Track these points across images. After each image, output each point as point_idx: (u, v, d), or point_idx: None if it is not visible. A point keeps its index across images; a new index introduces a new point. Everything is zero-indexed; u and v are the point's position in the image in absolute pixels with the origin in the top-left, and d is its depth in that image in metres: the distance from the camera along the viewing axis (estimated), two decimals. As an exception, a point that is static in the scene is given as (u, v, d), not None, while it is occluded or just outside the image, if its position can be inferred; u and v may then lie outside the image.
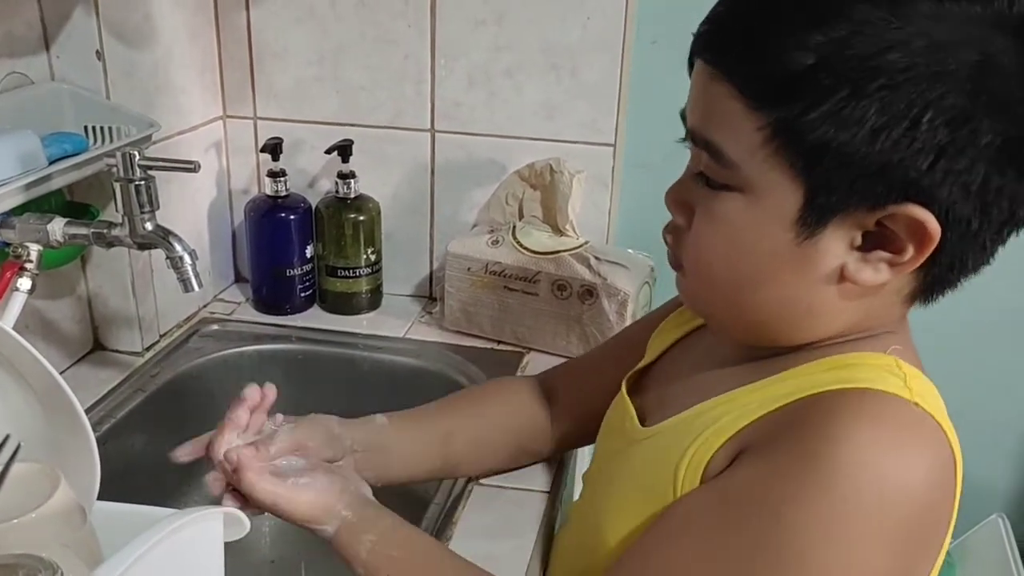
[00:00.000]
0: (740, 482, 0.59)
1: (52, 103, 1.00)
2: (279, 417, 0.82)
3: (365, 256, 1.26)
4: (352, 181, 1.23)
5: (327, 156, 1.24)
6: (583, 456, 1.16)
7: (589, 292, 1.14)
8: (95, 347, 1.16)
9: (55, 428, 0.60)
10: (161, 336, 1.20)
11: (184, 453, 0.76)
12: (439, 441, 0.88)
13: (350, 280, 1.27)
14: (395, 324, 1.27)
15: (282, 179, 1.23)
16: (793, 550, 0.55)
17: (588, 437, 0.87)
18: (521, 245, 1.18)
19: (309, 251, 1.27)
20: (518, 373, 1.16)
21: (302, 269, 1.27)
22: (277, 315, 1.28)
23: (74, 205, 1.03)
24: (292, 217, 1.24)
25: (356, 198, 1.24)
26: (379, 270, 1.30)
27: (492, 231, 1.22)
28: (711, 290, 0.65)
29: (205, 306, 1.30)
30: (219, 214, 1.33)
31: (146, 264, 1.14)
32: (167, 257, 0.93)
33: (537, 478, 0.95)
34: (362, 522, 0.72)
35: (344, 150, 1.23)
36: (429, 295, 1.35)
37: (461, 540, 0.85)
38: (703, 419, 0.64)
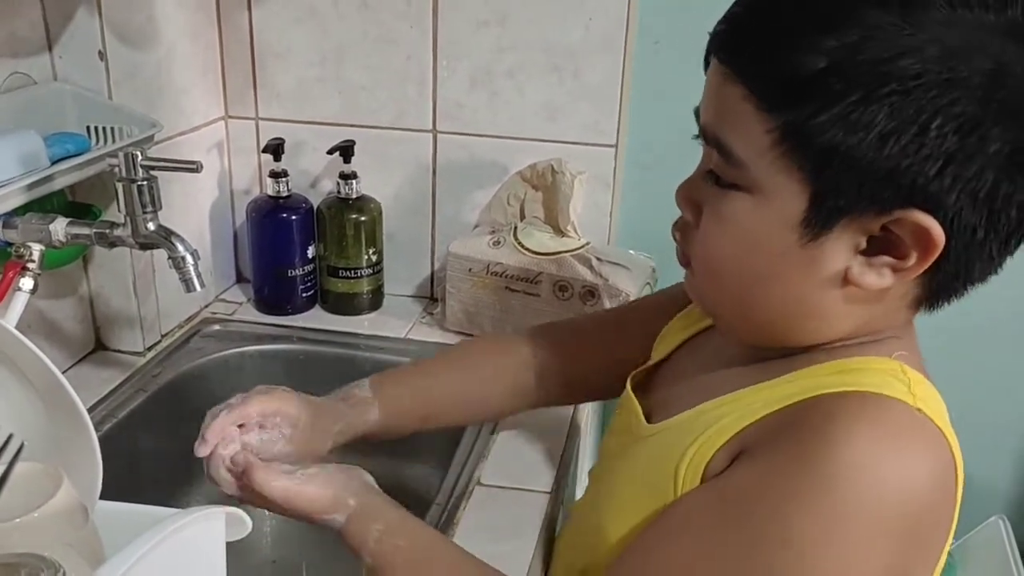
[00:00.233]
0: (740, 481, 0.59)
1: (54, 103, 1.00)
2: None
3: (366, 257, 1.26)
4: (354, 182, 1.23)
5: (329, 156, 1.24)
6: (585, 455, 1.16)
7: (591, 293, 1.14)
8: (97, 347, 1.16)
9: (57, 427, 0.60)
10: (163, 336, 1.20)
11: (204, 449, 0.76)
12: (421, 406, 0.90)
13: (351, 280, 1.27)
14: (396, 325, 1.27)
15: (284, 179, 1.23)
16: (791, 550, 0.55)
17: (571, 398, 0.93)
18: (523, 246, 1.18)
19: (311, 251, 1.27)
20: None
21: (303, 269, 1.27)
22: (278, 315, 1.28)
23: (76, 205, 1.03)
24: (294, 217, 1.24)
25: (358, 198, 1.24)
26: (380, 271, 1.30)
27: (494, 232, 1.22)
28: (718, 288, 0.66)
29: (207, 306, 1.30)
30: (221, 214, 1.33)
31: (148, 264, 1.14)
32: (169, 257, 0.93)
33: (539, 478, 0.95)
34: (370, 511, 0.73)
35: (346, 151, 1.23)
36: (430, 296, 1.36)
37: (463, 540, 0.85)
38: (706, 418, 0.64)
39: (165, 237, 0.93)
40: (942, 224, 0.54)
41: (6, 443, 0.54)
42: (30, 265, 0.91)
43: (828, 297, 0.60)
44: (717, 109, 0.60)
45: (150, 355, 1.16)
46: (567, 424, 1.05)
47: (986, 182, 0.53)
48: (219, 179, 1.31)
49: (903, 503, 0.55)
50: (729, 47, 0.59)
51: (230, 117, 1.31)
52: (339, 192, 1.24)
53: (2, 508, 0.50)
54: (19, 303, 0.91)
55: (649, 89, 1.21)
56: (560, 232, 1.20)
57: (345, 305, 1.29)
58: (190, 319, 1.26)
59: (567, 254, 1.16)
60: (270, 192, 1.24)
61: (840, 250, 0.58)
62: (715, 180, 0.61)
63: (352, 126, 1.27)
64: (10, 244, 0.92)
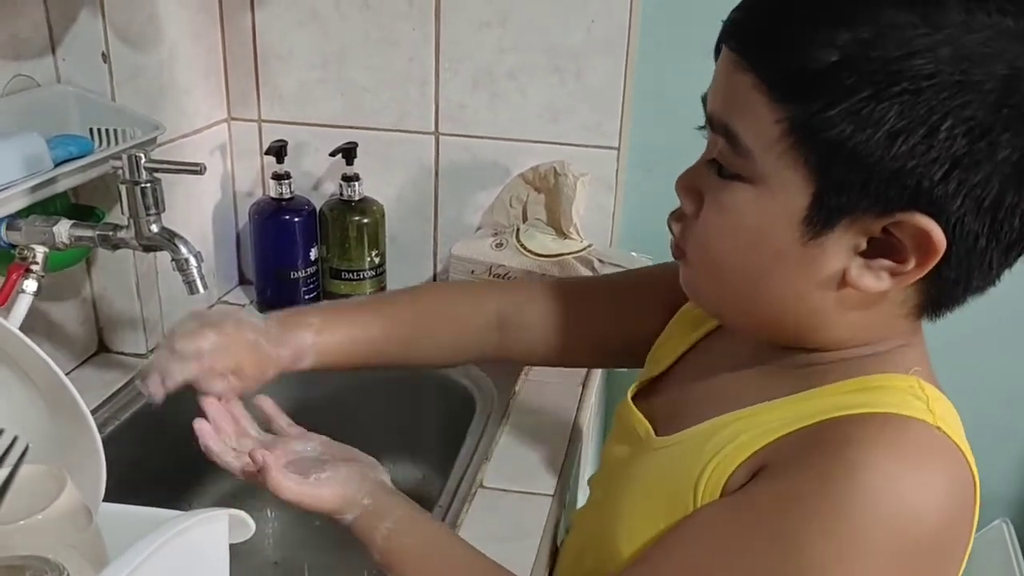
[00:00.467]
0: (760, 499, 0.59)
1: (58, 105, 1.00)
2: (264, 402, 0.83)
3: (369, 258, 1.26)
4: (356, 183, 1.23)
5: (331, 158, 1.24)
6: (587, 460, 1.16)
7: (593, 295, 1.14)
8: (100, 349, 1.16)
9: (61, 429, 0.60)
10: (165, 338, 1.20)
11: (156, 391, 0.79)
12: (368, 348, 0.87)
13: (354, 282, 1.27)
14: (399, 326, 1.27)
15: (286, 181, 1.23)
16: (808, 570, 0.55)
17: (542, 359, 0.91)
18: (525, 248, 1.18)
19: (313, 253, 1.27)
20: (522, 376, 1.16)
21: (306, 271, 1.27)
22: (281, 317, 1.28)
23: (79, 207, 1.03)
24: (296, 219, 1.24)
25: (360, 200, 1.24)
26: (383, 272, 1.30)
27: (496, 234, 1.22)
28: (713, 280, 0.65)
29: (210, 308, 1.30)
30: (224, 216, 1.33)
31: (151, 266, 1.14)
32: (172, 259, 0.93)
33: (542, 481, 0.95)
34: (380, 509, 0.73)
35: (348, 152, 1.23)
36: (433, 297, 1.35)
37: (465, 542, 0.85)
38: (723, 434, 0.63)
39: (168, 239, 0.94)
40: (944, 229, 0.54)
41: (11, 445, 0.54)
42: (33, 267, 0.91)
43: (826, 299, 0.60)
44: (726, 97, 0.59)
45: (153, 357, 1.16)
46: (569, 428, 1.05)
47: (992, 189, 0.53)
48: (222, 181, 1.31)
49: (922, 527, 0.55)
50: (742, 35, 0.58)
51: (233, 119, 1.31)
52: (341, 194, 1.24)
53: (6, 510, 0.50)
54: (22, 305, 0.91)
55: (651, 91, 1.21)
56: (562, 234, 1.20)
57: (347, 307, 1.29)
58: (193, 321, 1.26)
59: (569, 256, 1.16)
60: (273, 194, 1.24)
61: (840, 250, 0.57)
62: (718, 170, 0.60)
63: (354, 128, 1.27)
64: (13, 246, 0.92)
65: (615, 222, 1.26)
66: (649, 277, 0.89)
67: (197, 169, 0.92)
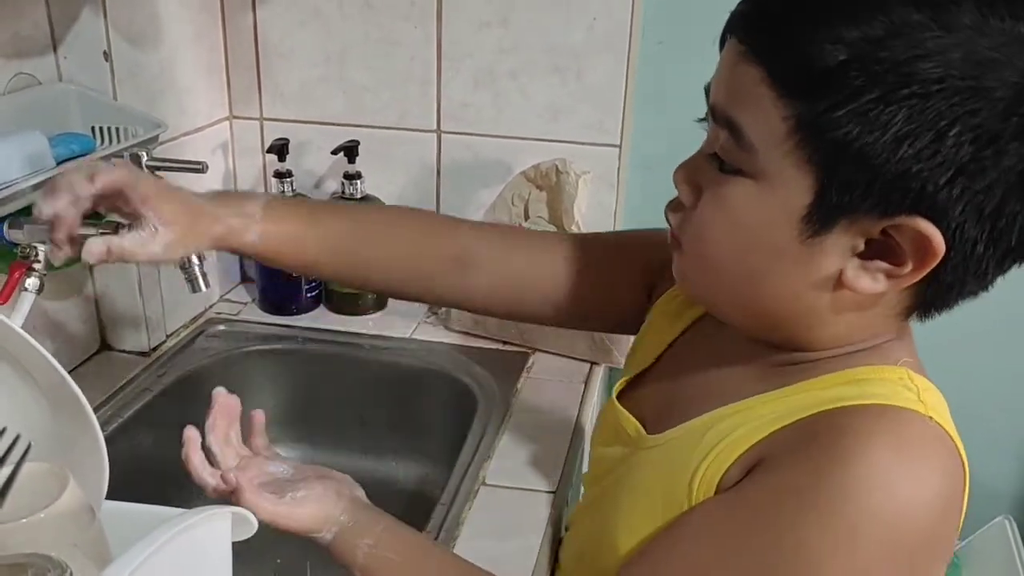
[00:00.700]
0: (756, 493, 0.59)
1: (59, 104, 1.00)
2: (256, 416, 0.82)
3: (371, 257, 1.26)
4: (358, 182, 1.23)
5: (333, 157, 1.24)
6: (587, 456, 1.16)
7: (595, 293, 1.14)
8: (102, 347, 1.17)
9: (63, 427, 0.61)
10: (168, 336, 1.20)
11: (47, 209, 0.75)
12: (318, 244, 0.81)
13: (356, 281, 1.27)
14: (401, 325, 1.27)
15: (288, 180, 1.23)
16: (804, 562, 0.56)
17: (502, 308, 0.86)
18: (527, 246, 1.18)
19: (315, 252, 1.27)
20: (524, 374, 1.16)
21: (308, 269, 1.27)
22: (283, 315, 1.28)
23: (81, 206, 1.03)
24: (298, 218, 1.24)
25: (362, 199, 1.24)
26: (385, 271, 1.30)
27: (498, 232, 1.22)
28: (708, 273, 0.64)
29: (211, 306, 1.30)
30: (225, 215, 1.33)
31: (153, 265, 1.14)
32: (174, 257, 0.93)
33: (544, 478, 0.95)
34: (358, 526, 0.73)
35: (350, 151, 1.23)
36: (435, 296, 1.35)
37: (468, 540, 0.86)
38: (717, 430, 0.63)
39: (170, 237, 0.93)
40: (944, 234, 0.54)
41: (13, 443, 0.54)
42: (36, 266, 0.91)
43: (820, 298, 0.59)
44: (731, 89, 0.58)
45: (155, 355, 1.16)
46: (571, 425, 1.05)
47: (995, 197, 0.53)
48: (224, 179, 1.31)
49: (917, 518, 0.55)
50: (751, 27, 0.57)
51: (235, 117, 1.31)
52: (343, 192, 1.24)
53: (9, 509, 0.50)
54: (25, 303, 0.91)
55: (653, 89, 1.21)
56: (564, 232, 1.20)
57: (349, 305, 1.29)
58: (195, 319, 1.26)
59: (571, 254, 1.16)
60: (275, 192, 1.24)
61: (838, 251, 0.57)
62: (719, 164, 0.60)
63: (356, 126, 1.27)
64: (16, 244, 0.92)
65: (616, 220, 1.26)
66: (631, 241, 0.87)
67: (199, 167, 0.92)
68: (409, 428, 1.21)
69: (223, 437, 0.78)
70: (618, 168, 1.23)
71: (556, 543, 0.90)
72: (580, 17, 1.17)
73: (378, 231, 0.85)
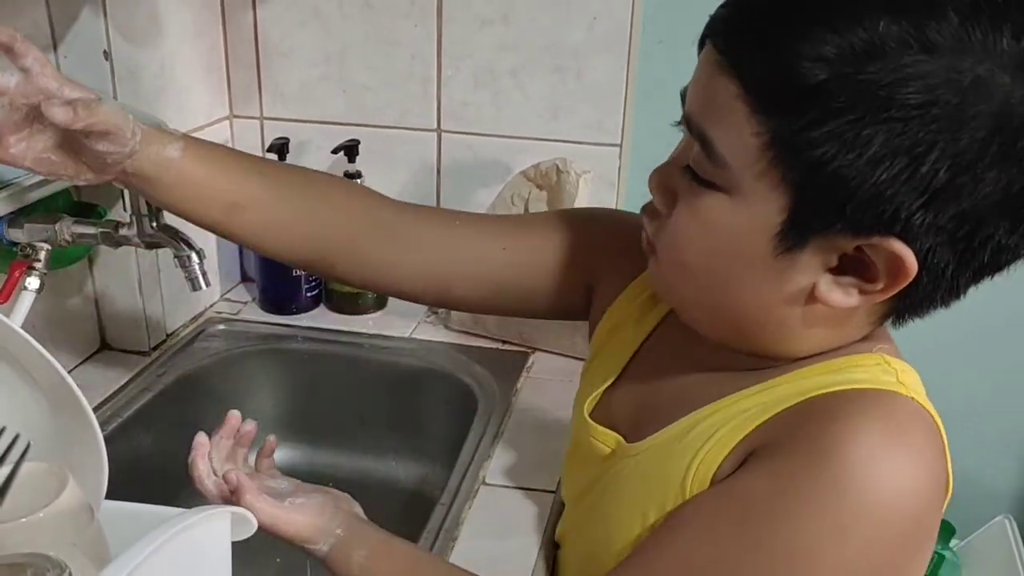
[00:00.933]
0: (751, 484, 0.59)
1: (60, 103, 1.00)
2: (271, 440, 0.82)
3: (371, 256, 1.26)
4: (358, 181, 1.23)
5: (333, 156, 1.24)
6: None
7: (595, 292, 1.14)
8: (102, 346, 1.17)
9: (63, 427, 0.60)
10: (168, 335, 1.20)
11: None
12: (223, 208, 0.74)
13: (356, 280, 1.27)
14: (401, 324, 1.27)
15: (288, 179, 1.23)
16: (804, 552, 0.56)
17: (432, 292, 0.80)
18: (527, 245, 1.18)
19: (315, 251, 1.27)
20: (524, 373, 1.16)
21: (308, 269, 1.27)
22: (283, 315, 1.28)
23: (82, 205, 1.03)
24: (298, 217, 1.24)
25: (362, 198, 1.24)
26: (385, 270, 1.30)
27: (498, 231, 1.22)
28: (681, 280, 0.64)
29: (211, 306, 1.30)
30: (225, 214, 1.33)
31: (153, 263, 1.14)
32: (175, 256, 0.94)
33: (544, 477, 0.95)
34: (353, 539, 0.73)
35: (350, 150, 1.23)
36: (435, 295, 1.35)
37: (468, 540, 0.85)
38: (701, 428, 0.63)
39: (170, 236, 0.94)
40: (916, 255, 0.53)
41: (12, 443, 0.54)
42: (36, 264, 0.92)
43: (792, 312, 0.59)
44: (705, 101, 0.57)
45: (155, 354, 1.16)
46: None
47: (969, 222, 0.52)
48: (224, 179, 1.31)
49: (910, 498, 0.55)
50: (730, 34, 0.56)
51: (235, 116, 1.31)
52: (343, 191, 1.24)
53: (8, 508, 0.50)
54: (25, 302, 0.91)
55: (653, 88, 1.21)
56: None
57: (349, 304, 1.29)
58: (195, 318, 1.26)
59: (571, 253, 1.16)
60: (275, 191, 1.24)
61: (810, 266, 0.57)
62: (692, 175, 0.59)
63: (356, 125, 1.27)
64: (16, 244, 0.92)
65: (617, 219, 1.26)
66: (573, 224, 0.80)
67: (199, 167, 0.92)
68: (409, 428, 1.21)
69: (226, 454, 0.78)
70: (618, 167, 1.23)
71: (555, 542, 0.89)
72: (580, 16, 1.17)
73: (299, 195, 0.78)
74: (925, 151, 0.50)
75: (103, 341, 1.17)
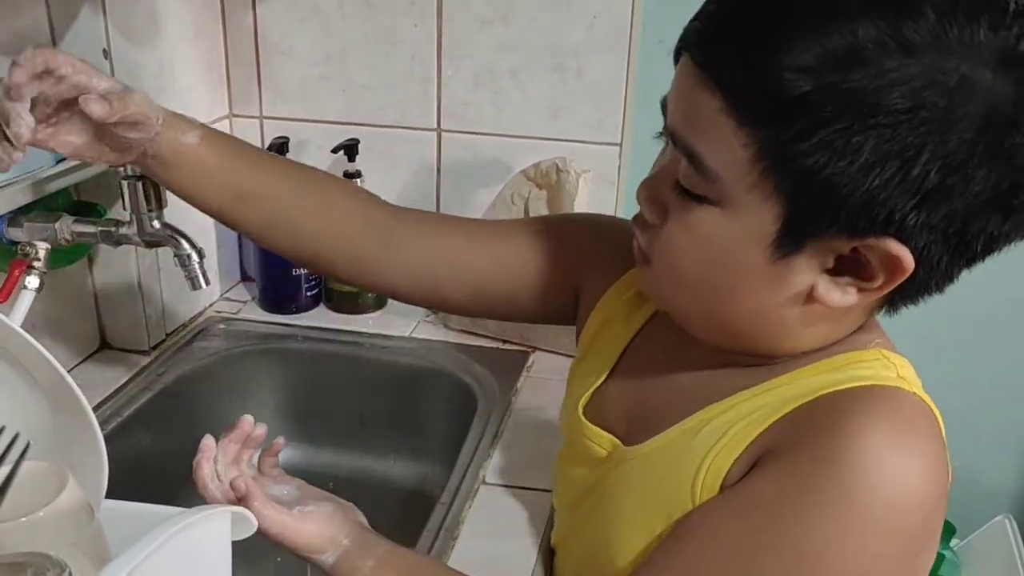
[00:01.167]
0: (762, 487, 0.59)
1: (59, 102, 1.00)
2: (279, 441, 0.82)
3: (371, 255, 1.26)
4: (358, 180, 1.23)
5: (333, 155, 1.24)
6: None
7: (595, 292, 1.14)
8: (102, 346, 1.17)
9: (62, 426, 0.60)
10: (168, 335, 1.20)
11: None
12: (232, 195, 0.77)
13: (356, 279, 1.27)
14: (401, 323, 1.27)
15: (288, 178, 1.23)
16: (815, 555, 0.56)
17: (423, 292, 0.82)
18: (527, 245, 1.18)
19: (315, 250, 1.27)
20: (523, 373, 1.16)
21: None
22: (283, 314, 1.28)
23: (81, 204, 1.03)
24: (298, 216, 1.24)
25: (362, 197, 1.24)
26: (385, 269, 1.29)
27: (498, 230, 1.22)
28: (679, 291, 0.64)
29: (211, 305, 1.30)
30: (225, 213, 1.33)
31: (153, 263, 1.14)
32: (175, 255, 0.94)
33: (544, 478, 0.95)
34: (360, 549, 0.72)
35: (350, 149, 1.23)
36: (435, 294, 1.35)
37: (468, 540, 0.85)
38: (709, 429, 0.63)
39: (170, 235, 0.94)
40: (912, 253, 0.54)
41: (12, 442, 0.54)
42: (36, 263, 0.91)
43: (791, 313, 0.59)
44: (688, 114, 0.57)
45: (155, 353, 1.16)
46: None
47: (961, 219, 0.53)
48: (224, 178, 1.31)
49: (918, 497, 0.55)
50: (706, 49, 0.56)
51: (235, 115, 1.31)
52: (343, 191, 1.23)
53: (8, 507, 0.50)
54: (25, 301, 0.91)
55: (653, 89, 1.20)
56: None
57: (349, 304, 1.29)
58: (195, 318, 1.26)
59: (572, 253, 1.16)
60: (274, 191, 1.24)
61: (807, 268, 0.57)
62: (682, 190, 0.59)
63: (356, 125, 1.27)
64: (15, 243, 0.92)
65: (617, 219, 1.26)
66: (559, 228, 0.82)
67: (199, 166, 0.92)
68: (409, 427, 1.21)
69: (232, 458, 0.77)
70: (618, 167, 1.23)
71: (549, 554, 0.89)
72: (580, 16, 1.17)
73: (303, 194, 0.80)
74: (915, 154, 0.50)
75: (103, 340, 1.17)
